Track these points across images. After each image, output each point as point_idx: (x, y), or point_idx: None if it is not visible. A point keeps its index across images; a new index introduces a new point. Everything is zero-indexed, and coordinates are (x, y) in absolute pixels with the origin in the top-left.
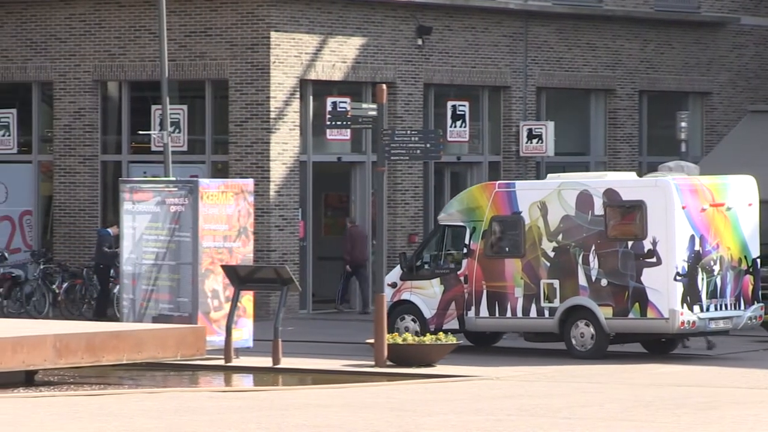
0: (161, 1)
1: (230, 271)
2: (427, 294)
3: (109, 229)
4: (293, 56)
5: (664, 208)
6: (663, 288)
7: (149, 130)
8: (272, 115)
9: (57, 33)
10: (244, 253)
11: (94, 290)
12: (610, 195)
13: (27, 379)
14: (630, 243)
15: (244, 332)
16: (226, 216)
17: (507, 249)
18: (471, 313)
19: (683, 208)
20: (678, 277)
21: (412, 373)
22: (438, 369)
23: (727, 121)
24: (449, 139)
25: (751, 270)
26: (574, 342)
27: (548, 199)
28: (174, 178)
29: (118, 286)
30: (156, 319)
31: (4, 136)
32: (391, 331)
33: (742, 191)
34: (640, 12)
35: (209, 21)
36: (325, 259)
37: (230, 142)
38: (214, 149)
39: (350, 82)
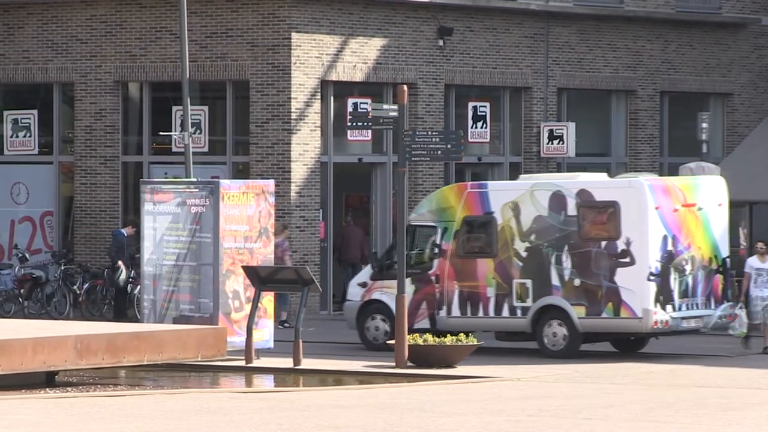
0: (182, 2)
1: (251, 272)
2: None
3: (123, 230)
4: (314, 57)
5: (637, 208)
6: (637, 287)
7: (170, 131)
8: (293, 116)
9: (78, 34)
10: (264, 253)
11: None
12: (584, 195)
13: (48, 380)
14: (603, 243)
15: (264, 333)
16: (246, 217)
17: (479, 249)
18: (443, 313)
19: (656, 208)
20: (651, 277)
21: (433, 374)
22: (458, 370)
23: (748, 122)
24: (470, 139)
25: (721, 269)
26: (546, 341)
27: (521, 199)
28: (195, 179)
29: (138, 287)
30: (177, 320)
31: (25, 137)
32: (361, 330)
33: (712, 192)
34: (661, 13)
35: (230, 22)
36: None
37: (251, 142)
38: (235, 150)
39: (371, 83)
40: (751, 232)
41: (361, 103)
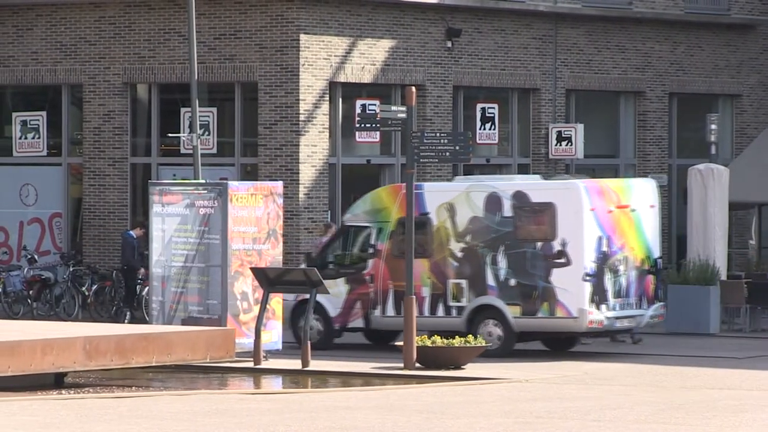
0: (191, 4)
1: (259, 274)
2: (332, 293)
3: (131, 232)
4: (322, 59)
5: (573, 210)
6: (572, 288)
7: (179, 132)
8: (301, 117)
9: (87, 36)
10: (273, 255)
11: (122, 292)
12: (520, 197)
13: (56, 382)
14: (539, 244)
15: (273, 334)
16: (255, 218)
17: (414, 249)
18: (377, 312)
19: (592, 209)
20: (587, 277)
21: (441, 375)
22: (467, 371)
23: (757, 123)
24: (478, 141)
25: (653, 270)
26: None
27: (456, 200)
28: (203, 181)
29: (147, 288)
30: (185, 322)
31: (34, 138)
32: (294, 329)
33: (644, 193)
34: (669, 14)
35: (238, 23)
36: None
37: (259, 144)
38: (243, 152)
39: (379, 85)
40: (759, 233)
41: (369, 104)
